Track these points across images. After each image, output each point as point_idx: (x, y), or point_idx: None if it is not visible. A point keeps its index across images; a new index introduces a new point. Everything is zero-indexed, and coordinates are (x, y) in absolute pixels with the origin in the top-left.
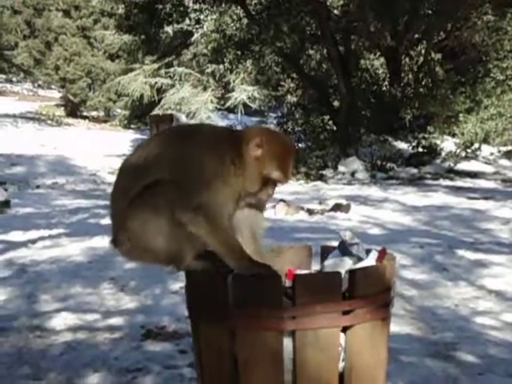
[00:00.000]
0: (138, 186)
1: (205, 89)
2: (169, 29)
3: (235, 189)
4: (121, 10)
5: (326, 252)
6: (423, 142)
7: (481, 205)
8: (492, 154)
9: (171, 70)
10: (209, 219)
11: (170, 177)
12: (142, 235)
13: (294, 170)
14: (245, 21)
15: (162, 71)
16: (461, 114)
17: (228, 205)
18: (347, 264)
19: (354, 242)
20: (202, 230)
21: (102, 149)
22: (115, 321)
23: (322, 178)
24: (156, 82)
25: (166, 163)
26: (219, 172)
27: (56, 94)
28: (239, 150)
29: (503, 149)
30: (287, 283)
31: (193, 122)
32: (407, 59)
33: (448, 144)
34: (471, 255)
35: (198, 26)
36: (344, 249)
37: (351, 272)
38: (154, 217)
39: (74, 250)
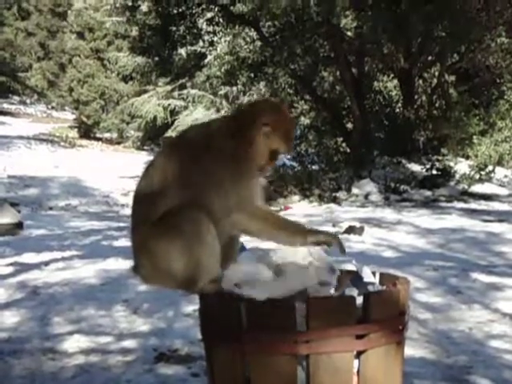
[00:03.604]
0: (158, 212)
1: (218, 111)
2: (182, 51)
3: (253, 171)
4: (134, 32)
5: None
6: (437, 164)
7: (495, 227)
8: (506, 176)
9: (184, 91)
10: (251, 214)
11: (190, 198)
12: (164, 257)
13: (307, 192)
14: (258, 43)
15: (176, 93)
16: (475, 137)
17: (257, 191)
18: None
19: (370, 282)
20: (250, 226)
21: (115, 170)
22: (128, 343)
23: (335, 200)
24: (169, 104)
25: (182, 185)
26: (235, 170)
27: (69, 115)
28: (245, 132)
29: None
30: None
31: None
32: (421, 81)
33: (462, 166)
34: (485, 278)
35: (211, 48)
36: (357, 283)
37: (365, 296)
38: (176, 240)
39: (87, 272)
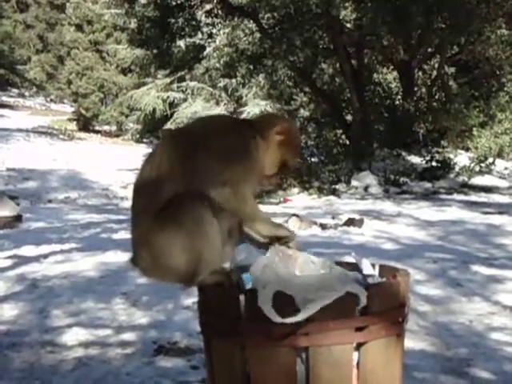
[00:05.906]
0: (159, 203)
1: (217, 103)
2: (181, 43)
3: (257, 168)
4: (133, 24)
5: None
6: (437, 156)
7: (495, 220)
8: (506, 168)
9: (183, 84)
10: (236, 192)
11: (192, 187)
12: (165, 250)
13: (306, 185)
14: (257, 35)
15: (175, 85)
16: (474, 129)
17: (253, 181)
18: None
19: (370, 274)
20: (231, 202)
21: (115, 163)
22: (127, 336)
23: (334, 192)
24: (168, 96)
25: (185, 174)
26: (243, 151)
27: (68, 108)
28: (260, 134)
29: None
30: None
31: None
32: (420, 73)
33: (462, 158)
34: (486, 270)
35: (210, 40)
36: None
37: (365, 288)
38: (177, 233)
39: (86, 264)
